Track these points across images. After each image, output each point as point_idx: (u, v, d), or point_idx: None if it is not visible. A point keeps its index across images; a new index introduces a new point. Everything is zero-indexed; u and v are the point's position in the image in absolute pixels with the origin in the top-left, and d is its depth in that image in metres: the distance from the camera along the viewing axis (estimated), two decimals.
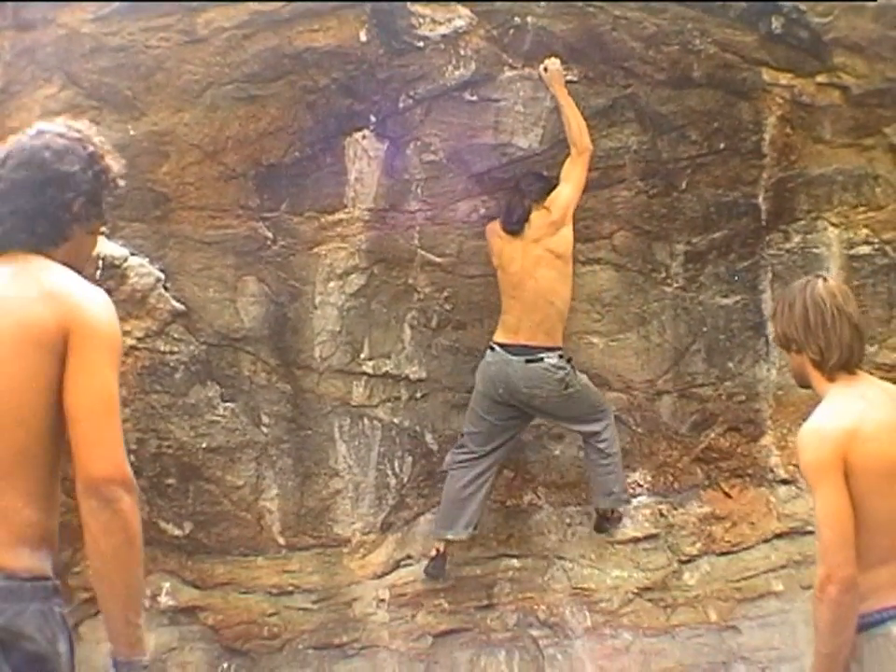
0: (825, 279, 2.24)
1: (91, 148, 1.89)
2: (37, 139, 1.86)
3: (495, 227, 3.88)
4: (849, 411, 2.11)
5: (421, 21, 3.73)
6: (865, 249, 4.22)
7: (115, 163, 1.94)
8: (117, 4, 3.72)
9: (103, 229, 2.01)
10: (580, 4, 3.83)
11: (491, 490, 3.93)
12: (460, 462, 3.86)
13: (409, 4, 3.72)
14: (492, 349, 3.81)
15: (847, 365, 2.17)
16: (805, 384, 2.30)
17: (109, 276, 3.69)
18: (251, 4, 3.71)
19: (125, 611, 1.69)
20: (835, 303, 2.18)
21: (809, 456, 2.09)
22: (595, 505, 4.05)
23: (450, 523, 3.87)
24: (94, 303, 1.79)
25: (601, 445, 3.89)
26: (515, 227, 3.79)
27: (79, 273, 1.91)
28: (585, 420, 3.88)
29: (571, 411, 3.86)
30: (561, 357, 3.79)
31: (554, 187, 3.80)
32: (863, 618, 2.08)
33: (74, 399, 1.70)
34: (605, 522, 4.06)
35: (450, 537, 3.89)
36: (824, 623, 2.07)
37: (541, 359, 3.75)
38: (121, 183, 1.97)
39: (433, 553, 3.90)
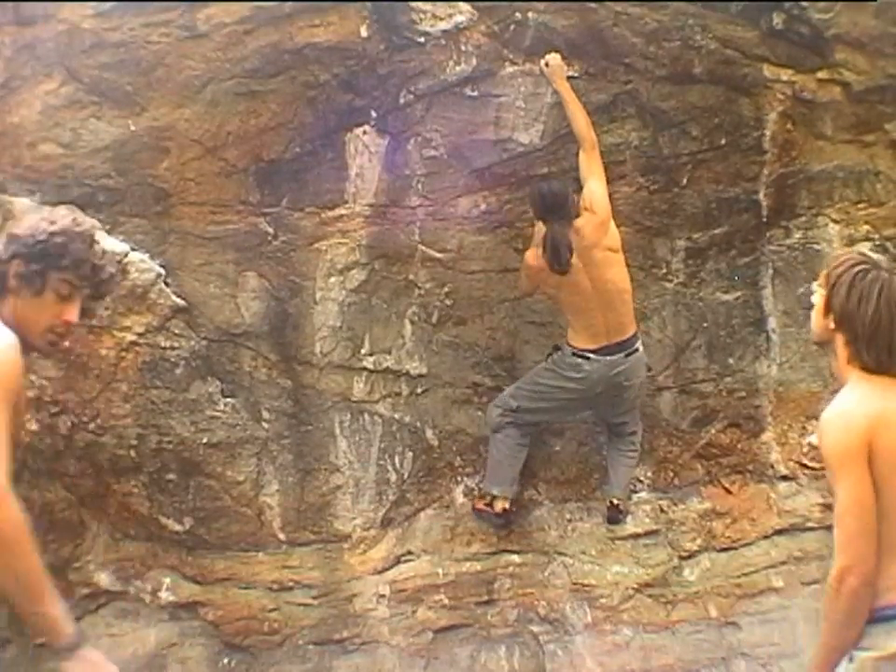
0: None
1: (53, 227, 2.16)
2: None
3: (538, 264, 3.78)
4: (874, 398, 2.11)
5: (422, 16, 3.73)
6: (866, 245, 4.19)
7: (76, 244, 2.17)
8: None
9: (73, 306, 2.17)
10: None
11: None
12: (508, 426, 3.94)
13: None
14: (585, 358, 3.82)
15: (887, 369, 2.18)
16: (823, 345, 2.32)
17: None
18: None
19: (26, 607, 1.83)
20: None
21: (833, 441, 2.07)
22: (611, 496, 4.07)
23: (501, 480, 3.98)
24: None
25: (634, 438, 4.04)
26: (566, 266, 3.73)
27: (32, 340, 2.11)
28: (633, 408, 3.99)
29: (638, 395, 3.97)
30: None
31: (570, 192, 3.75)
32: (883, 610, 2.06)
33: None
34: (619, 513, 4.08)
35: (496, 492, 3.98)
36: (839, 615, 2.04)
37: (637, 349, 3.85)
38: (81, 258, 2.17)
39: (499, 510, 3.97)
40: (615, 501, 4.07)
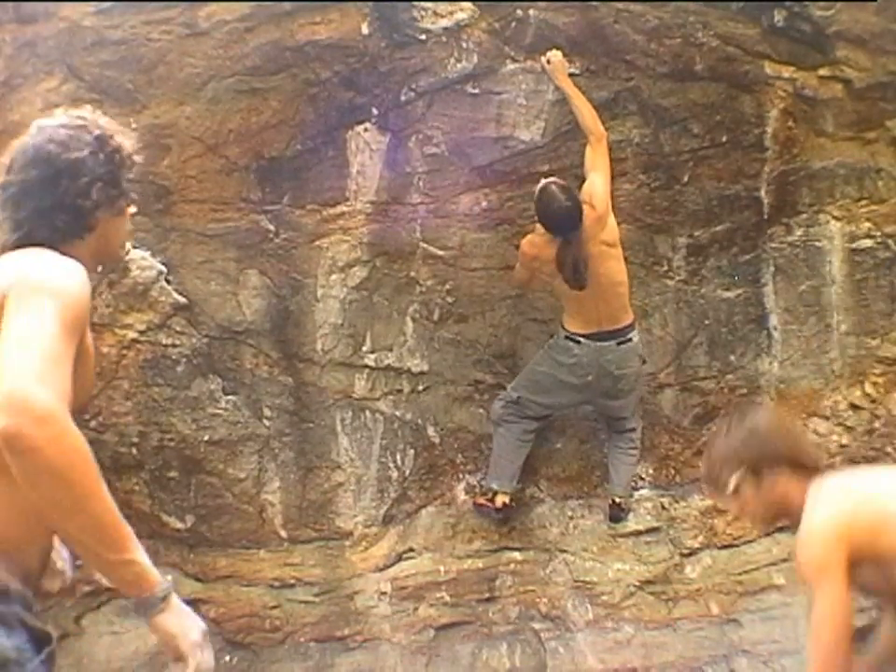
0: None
1: (97, 131, 1.79)
2: (39, 136, 1.77)
3: (534, 252, 3.78)
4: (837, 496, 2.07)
5: (423, 13, 3.73)
6: (867, 243, 4.21)
7: (127, 140, 1.85)
8: None
9: (132, 209, 1.89)
10: None
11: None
12: (510, 419, 3.95)
13: None
14: (576, 342, 3.84)
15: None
16: (772, 519, 2.25)
17: (111, 269, 3.70)
18: None
19: (107, 556, 1.47)
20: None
21: (817, 554, 2.02)
22: (613, 494, 4.08)
23: (499, 474, 3.97)
24: (44, 265, 1.63)
25: (633, 436, 4.05)
26: (585, 283, 3.72)
27: (116, 259, 1.92)
28: (632, 404, 4.00)
29: (635, 388, 3.97)
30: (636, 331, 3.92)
31: (580, 203, 3.71)
32: None
33: None
34: (620, 511, 4.09)
35: (495, 487, 3.97)
36: None
37: (630, 339, 3.86)
38: (137, 159, 1.86)
39: (499, 504, 3.96)
40: (617, 500, 4.08)
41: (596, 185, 3.73)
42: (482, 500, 4.02)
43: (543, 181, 3.71)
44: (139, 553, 1.51)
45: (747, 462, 2.18)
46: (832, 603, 2.00)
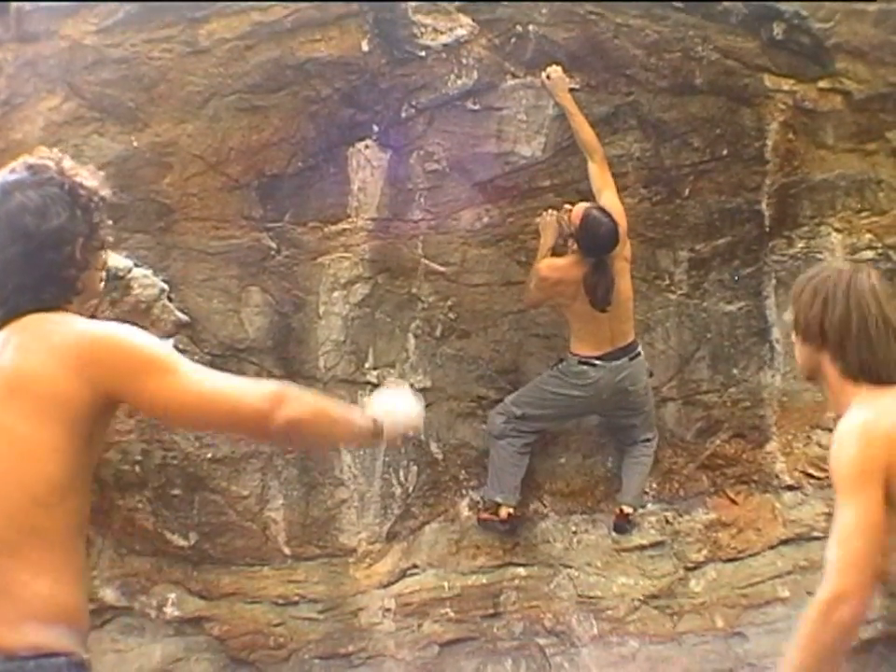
0: (868, 274, 1.97)
1: (66, 181, 1.68)
2: (7, 204, 1.65)
3: (558, 276, 3.82)
4: (888, 411, 1.84)
5: (423, 30, 3.74)
6: (869, 254, 4.21)
7: (93, 180, 1.74)
8: (120, 15, 3.74)
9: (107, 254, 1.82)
10: (581, 11, 3.85)
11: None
12: (512, 434, 3.95)
13: (411, 13, 3.73)
14: (591, 365, 3.86)
15: (883, 379, 1.91)
16: (812, 377, 2.04)
17: (113, 288, 3.70)
18: (253, 14, 3.73)
19: (351, 439, 2.12)
20: (882, 313, 1.92)
21: (848, 456, 1.81)
22: (622, 503, 4.07)
23: (502, 487, 3.98)
24: (117, 329, 1.65)
25: (648, 444, 4.05)
26: (611, 300, 3.78)
27: (97, 297, 1.79)
28: (644, 413, 4.01)
29: (647, 400, 3.99)
30: None
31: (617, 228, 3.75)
32: None
33: (186, 401, 1.61)
34: (626, 524, 4.09)
35: (499, 500, 3.98)
36: (822, 648, 1.76)
37: (639, 353, 3.92)
38: (107, 195, 1.76)
39: (504, 515, 3.97)
40: (625, 509, 4.06)
41: (615, 203, 3.78)
42: (486, 515, 4.03)
43: (582, 207, 3.75)
44: (362, 418, 1.89)
45: (804, 328, 1.95)
46: (867, 512, 1.76)
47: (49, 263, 1.65)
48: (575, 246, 3.82)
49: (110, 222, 1.79)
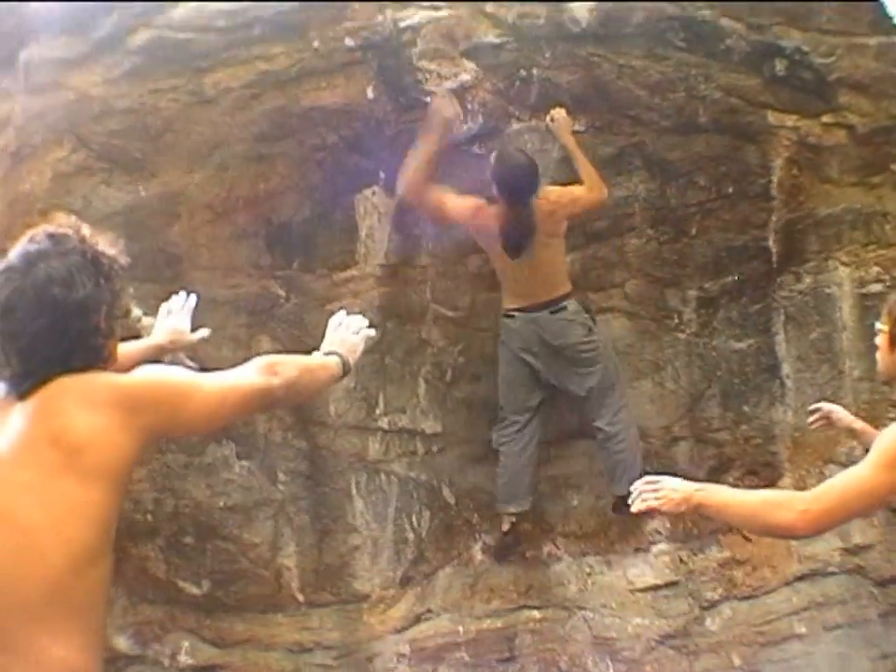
0: None
1: (88, 250, 1.70)
2: (32, 274, 1.65)
3: (470, 214, 3.74)
4: None
5: (427, 76, 3.76)
6: (877, 287, 4.20)
7: (112, 247, 1.76)
8: (126, 66, 3.77)
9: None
10: (584, 54, 3.87)
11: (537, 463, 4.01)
12: (507, 436, 3.93)
13: (415, 60, 3.75)
14: (510, 317, 3.85)
15: None
16: (888, 379, 2.48)
17: (123, 337, 3.71)
18: (258, 63, 3.75)
19: (329, 382, 2.21)
20: None
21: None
22: (615, 493, 3.93)
23: (512, 496, 3.94)
24: (146, 372, 1.74)
25: (620, 436, 3.89)
26: (522, 251, 3.72)
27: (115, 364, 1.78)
28: (605, 389, 3.87)
29: (591, 365, 3.85)
30: (579, 304, 3.88)
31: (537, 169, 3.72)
32: None
33: (213, 411, 1.78)
34: (624, 505, 3.88)
35: (513, 509, 3.94)
36: (757, 525, 2.15)
37: (564, 307, 3.84)
38: (125, 262, 1.78)
39: (504, 530, 3.95)
40: (620, 496, 3.83)
41: (573, 190, 3.76)
42: (506, 527, 3.97)
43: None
44: (330, 359, 2.18)
45: None
46: (878, 487, 1.99)
47: (77, 333, 1.66)
48: (495, 191, 3.73)
49: (131, 290, 1.86)
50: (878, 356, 2.47)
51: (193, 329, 2.92)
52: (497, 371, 3.95)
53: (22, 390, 1.65)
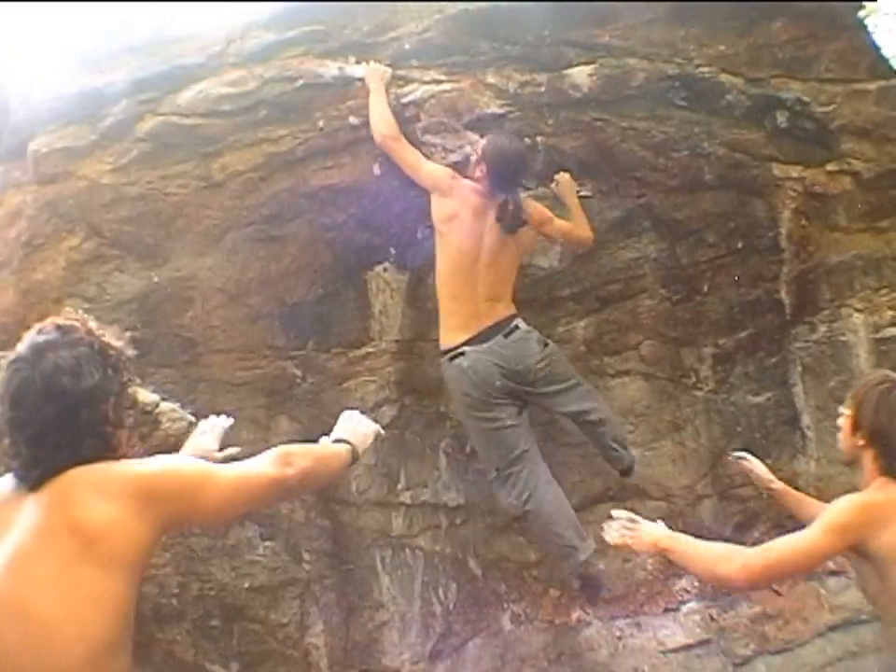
0: None
1: (95, 341, 1.73)
2: (41, 364, 1.68)
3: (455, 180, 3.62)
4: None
5: (433, 150, 3.78)
6: (892, 331, 4.21)
7: (117, 339, 1.80)
8: (135, 153, 3.81)
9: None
10: (587, 119, 3.90)
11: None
12: (520, 490, 3.53)
13: (420, 134, 3.78)
14: (459, 355, 3.52)
15: None
16: (852, 463, 2.51)
17: (142, 423, 3.70)
18: (265, 146, 3.79)
19: (340, 471, 2.23)
20: None
21: (845, 510, 2.29)
22: (622, 468, 3.74)
23: (572, 538, 3.53)
24: (162, 462, 1.75)
25: (593, 417, 3.63)
26: (515, 225, 3.58)
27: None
28: (571, 390, 3.61)
29: (558, 376, 3.60)
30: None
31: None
32: None
33: (228, 501, 1.79)
34: (630, 467, 3.73)
35: (583, 556, 3.53)
36: (702, 571, 2.36)
37: (516, 327, 3.57)
38: (132, 354, 1.83)
39: (581, 581, 3.58)
40: (626, 466, 3.71)
41: (552, 215, 3.69)
42: (581, 579, 3.60)
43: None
44: (340, 446, 2.22)
45: (871, 437, 2.40)
46: (821, 550, 2.25)
47: (86, 422, 1.68)
48: (480, 171, 3.59)
49: (138, 381, 1.85)
50: (840, 437, 2.54)
51: (209, 414, 2.95)
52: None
53: (33, 481, 1.66)
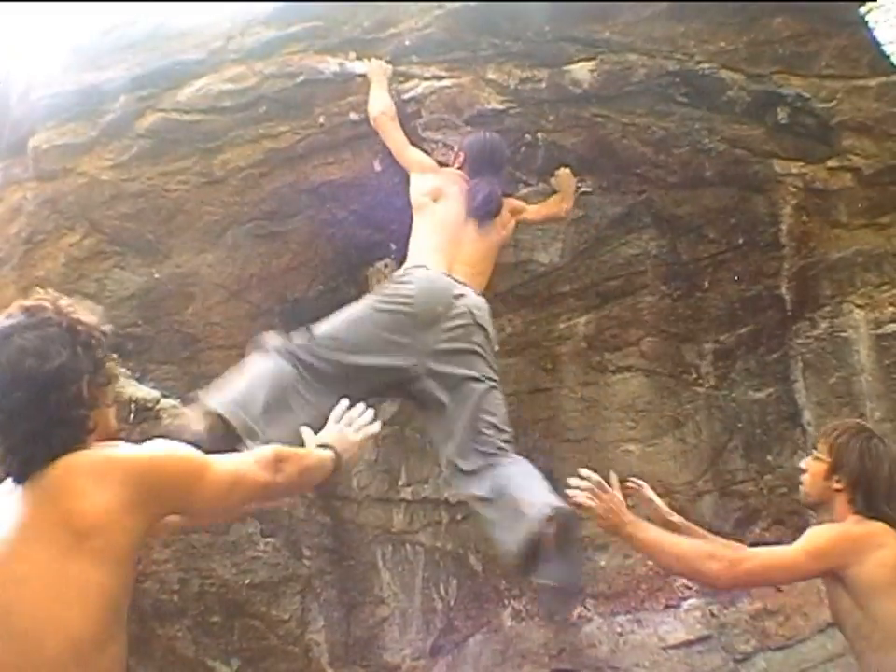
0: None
1: (63, 320, 1.65)
2: (6, 349, 1.62)
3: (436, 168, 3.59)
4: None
5: (433, 146, 3.79)
6: (893, 327, 4.18)
7: (91, 316, 1.72)
8: (135, 150, 3.81)
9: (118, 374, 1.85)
10: (587, 115, 3.90)
11: None
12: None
13: (420, 130, 3.78)
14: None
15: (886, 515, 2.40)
16: (816, 506, 2.56)
17: (143, 419, 3.71)
18: (265, 142, 3.79)
19: (325, 476, 2.16)
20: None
21: (826, 534, 2.37)
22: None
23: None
24: (158, 450, 1.70)
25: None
26: (489, 212, 3.47)
27: (113, 437, 1.74)
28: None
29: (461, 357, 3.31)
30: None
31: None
32: None
33: (221, 496, 1.79)
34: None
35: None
36: (682, 565, 2.37)
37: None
38: (107, 330, 1.74)
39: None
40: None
41: (527, 206, 3.67)
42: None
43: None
44: (326, 453, 2.16)
45: (852, 482, 2.43)
46: (801, 569, 2.33)
47: (55, 405, 1.62)
48: (458, 161, 3.58)
49: (115, 356, 1.76)
50: (806, 480, 2.57)
51: None
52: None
53: (16, 473, 1.64)
